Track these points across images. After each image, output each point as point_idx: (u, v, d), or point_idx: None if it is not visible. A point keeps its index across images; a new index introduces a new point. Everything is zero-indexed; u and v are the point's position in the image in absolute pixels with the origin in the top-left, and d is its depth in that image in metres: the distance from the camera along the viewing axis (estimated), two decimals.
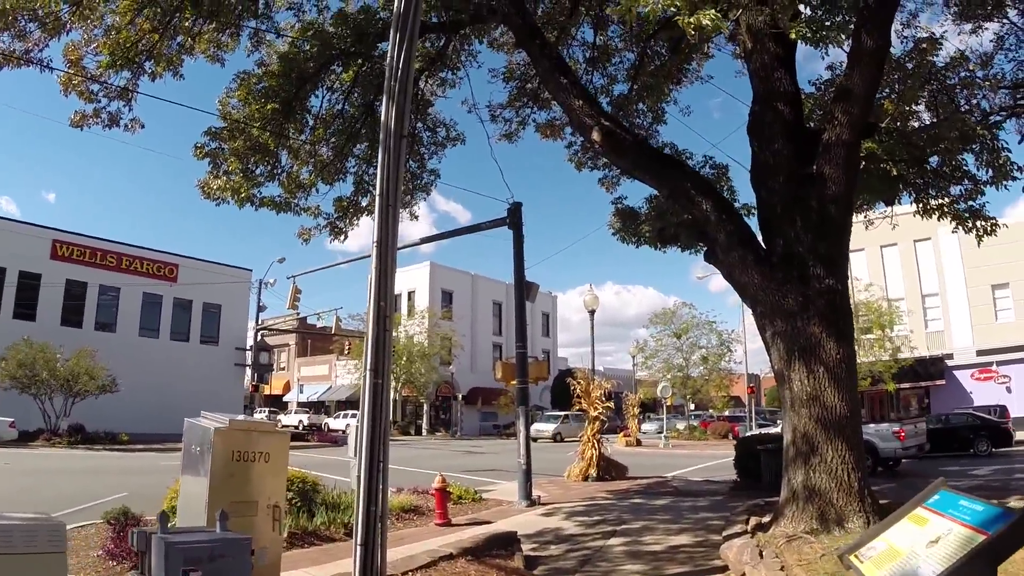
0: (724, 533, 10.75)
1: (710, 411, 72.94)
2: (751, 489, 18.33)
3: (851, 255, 40.12)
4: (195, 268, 50.89)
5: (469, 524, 14.25)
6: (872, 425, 23.59)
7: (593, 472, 22.13)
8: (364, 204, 18.32)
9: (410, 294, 72.14)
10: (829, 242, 10.49)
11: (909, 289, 46.39)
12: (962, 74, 14.03)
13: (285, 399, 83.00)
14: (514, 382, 17.89)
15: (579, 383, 23.56)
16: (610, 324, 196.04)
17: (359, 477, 7.66)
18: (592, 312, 24.83)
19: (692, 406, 67.91)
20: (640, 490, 19.72)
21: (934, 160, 13.47)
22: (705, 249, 12.48)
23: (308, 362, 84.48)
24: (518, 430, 17.51)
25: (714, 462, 31.86)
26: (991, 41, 15.18)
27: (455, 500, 16.67)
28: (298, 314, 73.41)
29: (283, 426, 66.91)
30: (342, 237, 18.32)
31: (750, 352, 69.66)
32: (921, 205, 14.07)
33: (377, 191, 8.12)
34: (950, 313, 45.71)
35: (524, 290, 17.93)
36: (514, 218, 18.33)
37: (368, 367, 7.81)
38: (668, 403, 52.67)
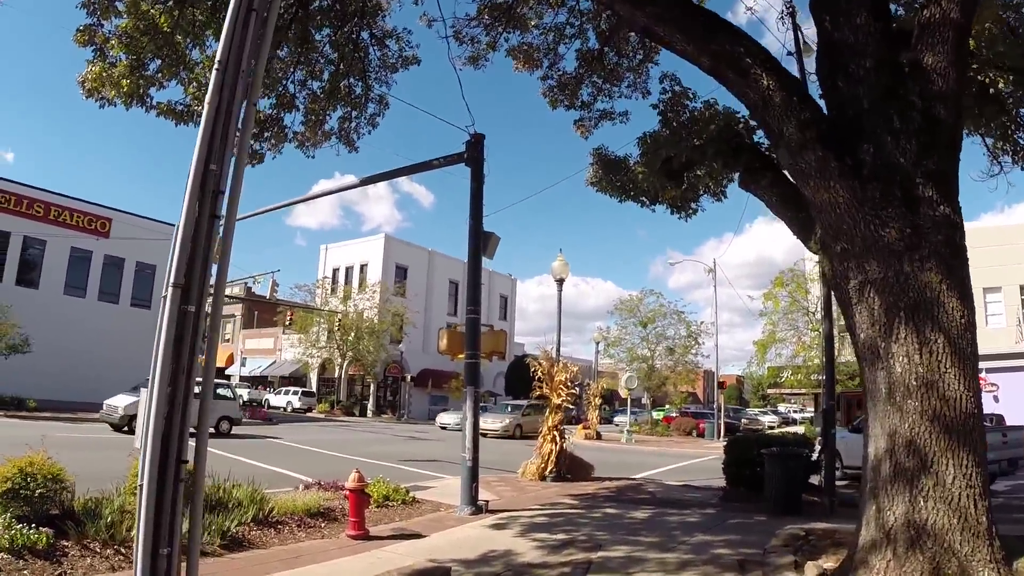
0: None
1: (666, 406, 70.08)
2: (746, 501, 15.09)
3: None
4: (129, 224, 46.28)
5: (392, 538, 10.77)
6: None
7: (552, 470, 18.56)
8: (287, 122, 14.59)
9: (362, 267, 68.22)
10: (939, 154, 6.93)
11: None
12: None
13: (228, 372, 78.82)
14: (462, 356, 14.18)
15: (541, 365, 19.91)
16: (567, 316, 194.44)
17: (141, 487, 4.01)
18: (560, 281, 21.05)
19: (650, 401, 64.69)
20: (610, 496, 16.17)
21: None
22: (740, 172, 8.83)
23: (253, 334, 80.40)
24: (464, 416, 13.82)
25: (686, 463, 28.49)
26: None
27: (379, 502, 13.12)
28: (247, 284, 69.38)
29: None
30: (256, 161, 14.57)
31: (713, 348, 66.71)
32: (1008, 144, 10.62)
33: None
34: None
35: (481, 241, 14.22)
36: (473, 152, 14.62)
37: (170, 280, 4.12)
38: (625, 395, 49.31)
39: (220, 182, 4.41)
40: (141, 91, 12.21)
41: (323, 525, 11.38)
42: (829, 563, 7.36)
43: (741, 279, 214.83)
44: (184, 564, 4.22)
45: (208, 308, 4.46)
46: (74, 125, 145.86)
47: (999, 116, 10.18)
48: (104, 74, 11.69)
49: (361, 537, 10.59)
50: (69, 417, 32.11)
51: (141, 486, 3.95)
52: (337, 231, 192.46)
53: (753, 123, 9.43)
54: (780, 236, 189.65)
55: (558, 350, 20.01)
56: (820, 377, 37.07)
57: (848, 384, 35.82)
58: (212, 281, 4.47)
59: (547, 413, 19.41)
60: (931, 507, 6.06)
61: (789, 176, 7.76)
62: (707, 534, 11.36)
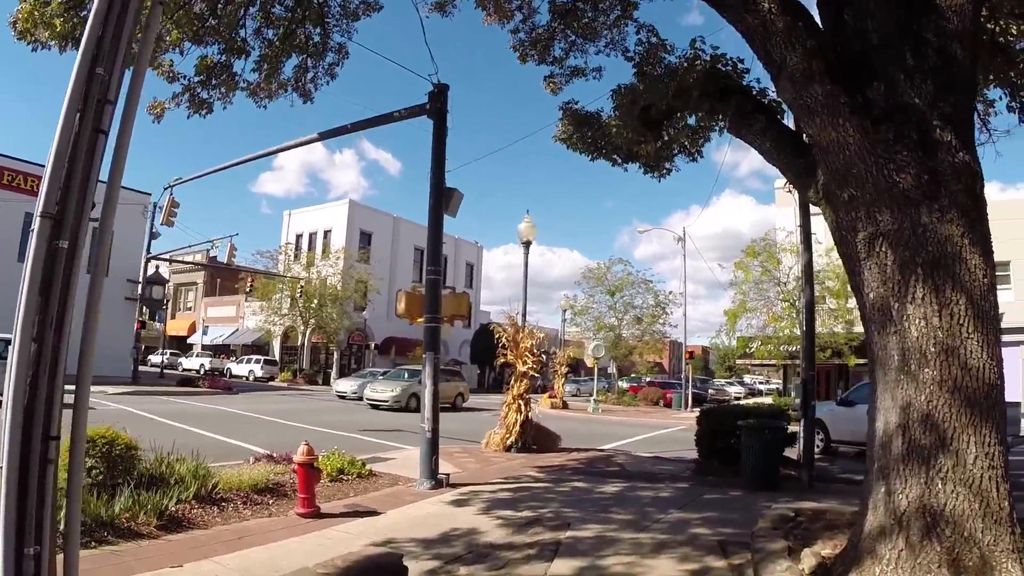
0: None
1: (632, 375, 69.83)
2: (719, 475, 14.42)
3: (811, 218, 36.09)
4: None
5: (345, 515, 9.98)
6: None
7: (517, 441, 17.81)
8: (237, 70, 13.59)
9: (326, 233, 66.96)
10: (956, 97, 6.14)
11: None
12: None
13: (190, 341, 77.80)
14: (421, 319, 13.32)
15: (506, 331, 19.09)
16: (533, 285, 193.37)
17: (0, 469, 3.12)
18: (527, 244, 20.04)
19: (615, 370, 64.18)
20: (578, 468, 15.45)
21: None
22: (730, 116, 7.96)
23: (215, 302, 79.10)
24: (423, 384, 12.99)
25: (655, 433, 27.95)
26: None
27: (332, 476, 12.33)
28: (207, 251, 67.78)
29: (184, 369, 62.26)
30: (204, 111, 13.56)
31: (681, 318, 66.43)
32: (1016, 102, 9.90)
33: None
34: None
35: (442, 196, 13.33)
36: (436, 103, 13.70)
37: (39, 210, 3.22)
38: (592, 364, 48.63)
39: (109, 90, 3.52)
40: (77, 32, 11.18)
41: (271, 502, 10.60)
42: (826, 549, 6.63)
43: (707, 251, 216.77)
44: (61, 564, 3.38)
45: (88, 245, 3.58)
46: (29, 82, 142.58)
47: (1007, 69, 9.42)
48: (36, 13, 10.68)
49: (311, 515, 9.84)
50: None
51: (0, 468, 3.10)
52: (303, 198, 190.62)
53: (742, 66, 8.58)
54: (746, 209, 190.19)
55: (524, 315, 19.16)
56: (791, 348, 36.60)
57: (819, 356, 35.26)
58: (98, 213, 3.60)
59: (512, 381, 18.61)
60: (949, 490, 5.32)
61: (792, 115, 6.94)
62: (683, 511, 10.66)
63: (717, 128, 13.82)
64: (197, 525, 9.00)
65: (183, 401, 31.66)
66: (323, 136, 16.91)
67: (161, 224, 28.06)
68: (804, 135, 6.76)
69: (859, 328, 35.97)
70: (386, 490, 12.14)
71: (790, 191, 15.28)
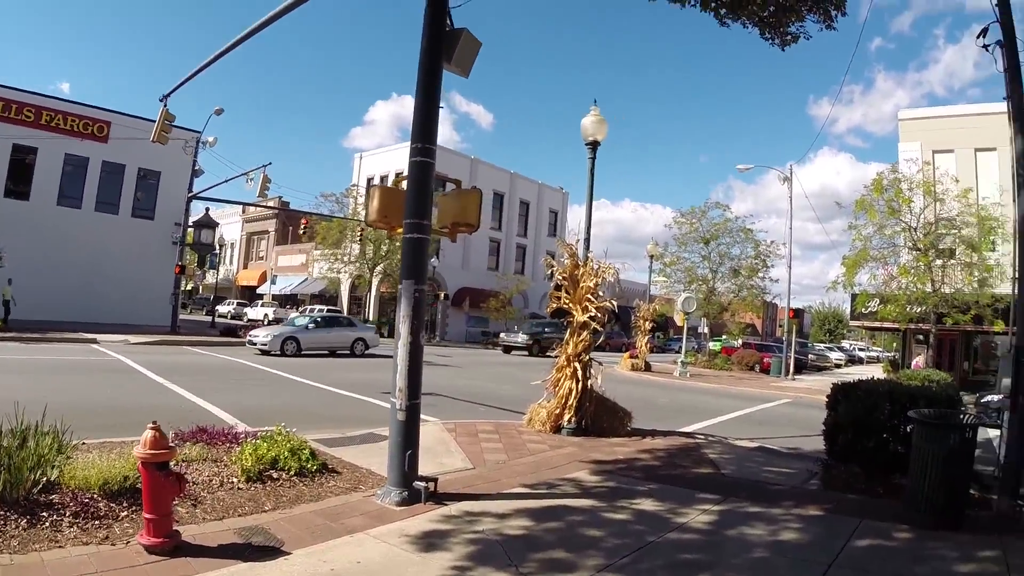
0: None
1: (723, 336, 63.96)
2: (863, 492, 9.42)
3: (937, 156, 29.76)
4: (131, 127, 39.64)
5: (221, 553, 5.79)
6: None
7: (571, 419, 12.86)
8: None
9: (397, 175, 62.13)
10: None
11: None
12: None
13: (260, 291, 75.35)
14: (400, 229, 8.42)
15: (560, 266, 13.93)
16: (624, 241, 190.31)
17: None
18: (594, 145, 14.36)
19: (707, 329, 58.15)
20: (651, 467, 10.45)
21: None
22: None
23: (286, 250, 76.38)
24: (397, 332, 8.03)
25: (754, 408, 22.31)
26: None
27: (254, 473, 7.82)
28: (280, 198, 63.82)
29: (248, 320, 58.97)
30: None
31: (785, 275, 60.12)
32: None
33: None
34: None
35: (441, 36, 8.30)
36: None
37: None
38: (681, 321, 42.82)
39: None
40: None
41: (124, 513, 6.31)
42: None
43: (803, 210, 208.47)
44: None
45: None
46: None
47: None
48: None
49: (160, 548, 5.55)
50: (67, 338, 27.83)
51: None
52: None
53: None
54: (844, 167, 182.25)
55: (587, 243, 13.84)
56: (922, 308, 30.20)
57: (959, 318, 28.74)
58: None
59: (568, 335, 13.52)
60: None
61: None
62: None
63: None
64: None
65: (204, 353, 27.67)
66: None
67: (152, 141, 23.84)
68: None
69: (1002, 289, 29.08)
70: (330, 501, 7.53)
71: None
